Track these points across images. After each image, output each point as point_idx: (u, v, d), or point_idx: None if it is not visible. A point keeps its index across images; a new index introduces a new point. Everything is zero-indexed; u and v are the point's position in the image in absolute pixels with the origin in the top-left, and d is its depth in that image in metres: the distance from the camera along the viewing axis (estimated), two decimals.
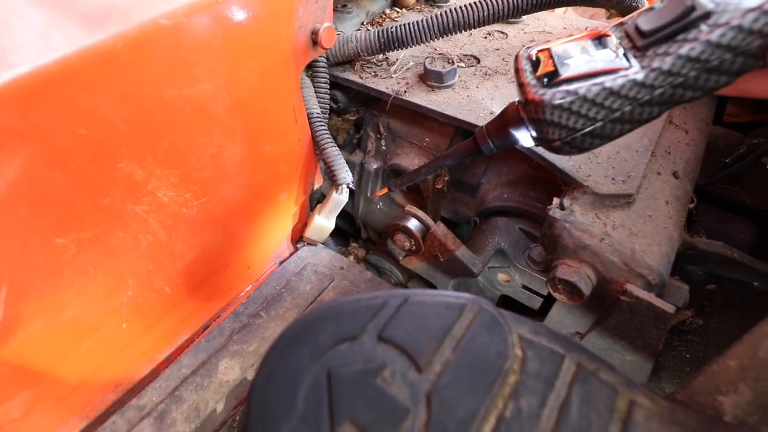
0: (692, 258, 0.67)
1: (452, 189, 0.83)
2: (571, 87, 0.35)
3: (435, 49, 0.86)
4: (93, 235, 0.50)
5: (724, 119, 0.92)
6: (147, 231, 0.55)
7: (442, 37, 0.75)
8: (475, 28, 0.73)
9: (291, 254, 0.81)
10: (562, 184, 0.65)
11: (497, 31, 0.91)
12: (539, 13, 0.90)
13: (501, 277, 0.75)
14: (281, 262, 0.80)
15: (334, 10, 0.78)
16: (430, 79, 0.76)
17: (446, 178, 0.80)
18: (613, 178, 0.61)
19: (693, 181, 0.70)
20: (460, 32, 0.74)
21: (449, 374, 0.35)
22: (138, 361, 0.65)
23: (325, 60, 0.75)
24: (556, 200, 0.61)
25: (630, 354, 0.60)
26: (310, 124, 0.73)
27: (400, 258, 0.81)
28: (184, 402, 0.61)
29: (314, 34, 0.65)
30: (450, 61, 0.77)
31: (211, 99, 0.55)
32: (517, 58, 0.40)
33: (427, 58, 0.78)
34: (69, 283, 0.50)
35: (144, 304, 0.60)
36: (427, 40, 0.74)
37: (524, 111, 0.39)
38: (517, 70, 0.39)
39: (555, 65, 0.36)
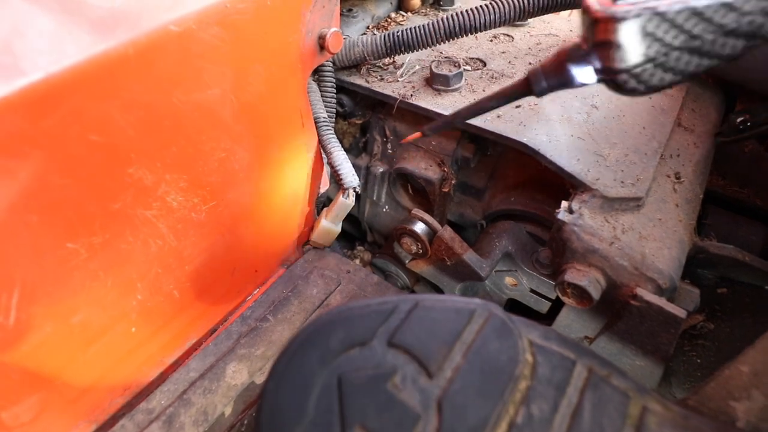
0: (703, 261, 0.66)
1: (459, 192, 0.83)
2: (649, 3, 0.31)
3: (441, 53, 0.86)
4: (103, 239, 0.50)
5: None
6: (156, 235, 0.55)
7: (448, 41, 0.75)
8: (481, 31, 0.73)
9: (298, 258, 0.81)
10: (570, 187, 0.65)
11: (503, 34, 0.91)
12: (545, 16, 0.90)
13: (508, 280, 0.75)
14: (288, 266, 0.80)
15: (340, 14, 0.78)
16: (436, 82, 0.76)
17: (453, 182, 0.80)
18: (622, 182, 0.61)
19: (703, 184, 0.69)
20: (466, 35, 0.74)
21: (460, 380, 0.35)
22: (146, 364, 0.65)
23: (331, 64, 0.75)
24: (564, 204, 0.61)
25: (640, 359, 0.59)
26: (317, 128, 0.73)
27: (407, 261, 0.81)
28: (193, 405, 0.61)
29: (321, 39, 0.65)
30: (456, 64, 0.77)
31: (219, 104, 0.55)
32: None
33: (433, 61, 0.78)
34: (79, 288, 0.50)
35: (153, 307, 0.60)
36: (433, 44, 0.74)
37: (590, 36, 0.35)
38: None
39: None
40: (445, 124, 0.58)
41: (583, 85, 0.38)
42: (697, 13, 0.30)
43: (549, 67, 0.40)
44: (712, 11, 0.30)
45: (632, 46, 0.32)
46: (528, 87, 0.43)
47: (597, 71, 0.36)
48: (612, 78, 0.34)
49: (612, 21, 0.31)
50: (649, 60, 0.32)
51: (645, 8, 0.30)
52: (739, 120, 0.69)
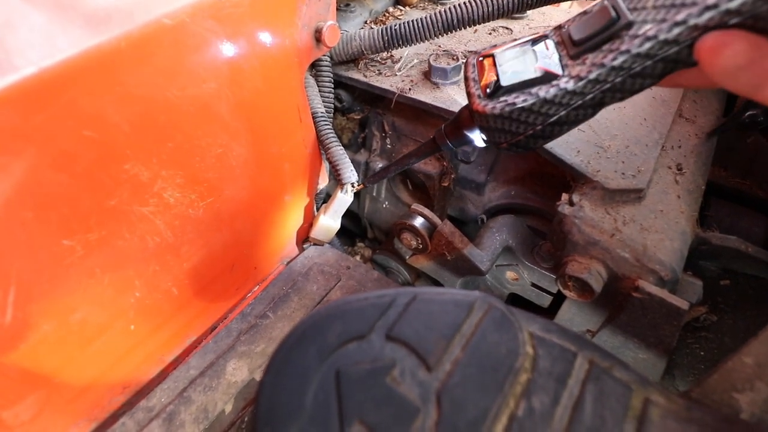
0: (705, 253, 0.66)
1: (459, 187, 0.82)
2: (510, 98, 0.38)
3: (439, 46, 0.85)
4: (100, 236, 0.50)
5: (735, 112, 0.91)
6: (154, 232, 0.55)
7: (446, 34, 0.74)
8: (479, 24, 0.72)
9: (297, 254, 0.81)
10: (570, 179, 0.64)
11: (502, 26, 0.90)
12: (544, 7, 0.89)
13: (509, 275, 0.74)
14: (288, 263, 0.80)
15: (337, 9, 0.78)
16: (434, 76, 0.75)
17: (453, 176, 0.79)
18: (623, 173, 0.61)
19: (704, 175, 0.68)
20: (465, 28, 0.73)
21: (459, 373, 0.35)
22: (146, 362, 0.65)
23: (328, 59, 0.74)
24: (564, 196, 0.60)
25: (643, 352, 0.59)
26: (315, 123, 0.73)
27: (407, 257, 0.81)
28: (193, 403, 0.61)
29: (318, 32, 0.64)
30: (455, 57, 0.77)
31: (215, 99, 0.55)
32: (465, 65, 0.43)
33: (431, 55, 0.77)
34: (76, 285, 0.50)
35: (151, 305, 0.60)
36: (431, 37, 0.74)
37: (474, 117, 0.42)
38: (465, 78, 0.42)
39: (497, 74, 0.39)
40: (379, 177, 0.70)
41: (479, 146, 0.47)
42: (548, 101, 0.37)
43: (449, 130, 0.48)
44: (560, 98, 0.37)
45: (504, 128, 0.40)
46: (437, 146, 0.51)
47: (484, 140, 0.44)
48: (495, 147, 0.43)
49: (485, 114, 0.40)
50: (519, 135, 0.40)
51: (509, 104, 0.38)
52: (748, 114, 0.68)
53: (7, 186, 0.40)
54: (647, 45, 0.33)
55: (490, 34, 0.88)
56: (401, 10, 0.96)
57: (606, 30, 0.35)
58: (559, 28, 0.39)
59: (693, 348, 0.64)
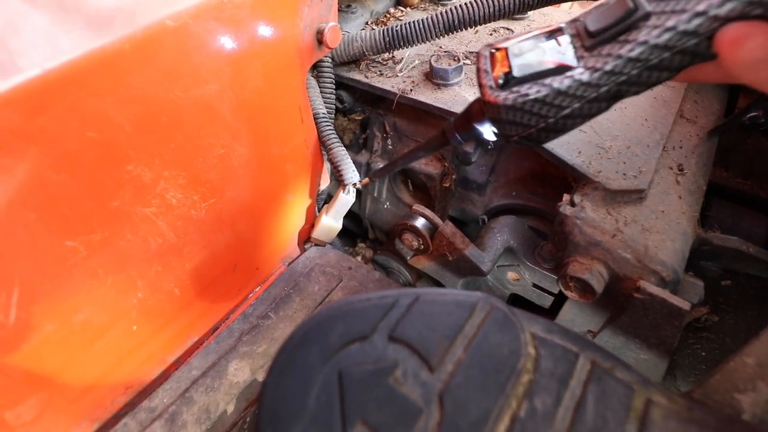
0: (707, 253, 0.66)
1: (460, 187, 0.83)
2: (523, 89, 0.37)
3: (440, 47, 0.85)
4: (102, 237, 0.50)
5: (736, 112, 0.91)
6: (156, 233, 0.55)
7: (448, 35, 0.74)
8: (480, 25, 0.72)
9: (299, 255, 0.81)
10: (572, 180, 0.64)
11: (503, 27, 0.90)
12: (545, 8, 0.89)
13: (511, 275, 0.74)
14: (289, 263, 0.80)
15: (338, 10, 0.78)
16: (436, 77, 0.76)
17: (454, 177, 0.80)
18: (625, 174, 0.61)
19: (706, 176, 0.68)
20: (466, 29, 0.73)
21: (462, 374, 0.35)
22: (148, 363, 0.65)
23: (330, 60, 0.75)
24: (566, 197, 0.60)
25: (644, 352, 0.59)
26: (317, 124, 0.73)
27: (408, 258, 0.81)
28: (195, 403, 0.61)
29: (319, 33, 0.65)
30: (456, 58, 0.77)
31: (218, 100, 0.55)
32: (478, 56, 0.42)
33: (432, 56, 0.77)
34: (79, 286, 0.50)
35: (154, 306, 0.60)
36: (432, 38, 0.74)
37: (485, 109, 0.42)
38: (477, 70, 0.41)
39: (510, 66, 0.38)
40: (386, 171, 0.68)
41: (490, 140, 0.45)
42: (562, 93, 0.36)
43: (459, 123, 0.47)
44: (574, 89, 0.36)
45: (515, 120, 0.39)
46: (445, 139, 0.50)
47: (495, 134, 0.43)
48: (506, 140, 0.42)
49: (497, 105, 0.38)
50: (532, 127, 0.39)
51: (521, 95, 0.37)
52: (749, 116, 0.68)
53: (10, 187, 0.41)
54: (666, 36, 0.32)
55: (491, 35, 0.88)
56: (402, 11, 0.96)
57: (623, 21, 0.34)
58: (574, 20, 0.39)
59: (694, 348, 0.65)
